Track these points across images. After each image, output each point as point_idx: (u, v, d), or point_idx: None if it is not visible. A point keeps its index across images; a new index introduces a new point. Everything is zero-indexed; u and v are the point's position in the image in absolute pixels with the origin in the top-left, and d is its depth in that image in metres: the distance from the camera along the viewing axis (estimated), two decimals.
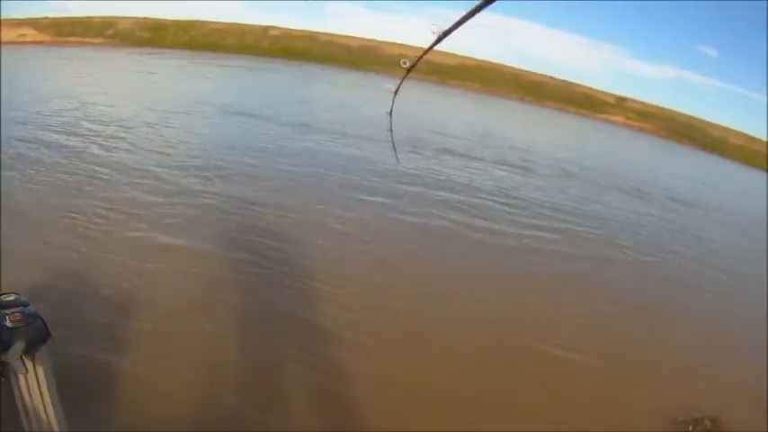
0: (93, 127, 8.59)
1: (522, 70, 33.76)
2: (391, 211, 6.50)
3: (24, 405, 1.01)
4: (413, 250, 5.50)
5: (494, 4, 0.51)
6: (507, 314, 4.47)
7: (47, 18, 28.54)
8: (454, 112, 20.35)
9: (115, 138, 8.07)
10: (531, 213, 7.63)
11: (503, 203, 7.80)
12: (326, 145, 9.69)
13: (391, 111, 2.07)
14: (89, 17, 29.76)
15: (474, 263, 5.45)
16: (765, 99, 42.44)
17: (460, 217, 6.74)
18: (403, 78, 1.40)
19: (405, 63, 1.31)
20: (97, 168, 6.51)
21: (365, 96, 15.81)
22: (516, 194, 8.54)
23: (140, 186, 6.04)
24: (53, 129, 8.20)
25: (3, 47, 19.90)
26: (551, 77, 33.81)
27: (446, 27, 0.93)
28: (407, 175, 8.17)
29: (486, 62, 33.67)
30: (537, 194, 8.86)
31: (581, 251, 6.47)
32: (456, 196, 7.65)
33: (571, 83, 33.81)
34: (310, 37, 32.40)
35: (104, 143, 7.73)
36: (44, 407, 1.02)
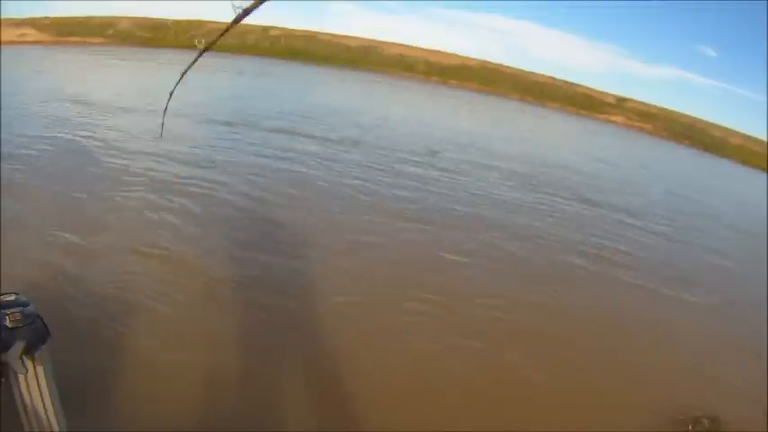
0: None
1: (523, 70, 33.84)
2: None
3: (24, 405, 1.01)
4: None
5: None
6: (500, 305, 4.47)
7: (47, 18, 28.57)
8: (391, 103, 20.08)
9: None
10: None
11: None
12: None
13: (172, 91, 2.01)
14: (89, 17, 29.78)
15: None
16: (765, 99, 42.56)
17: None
18: (197, 57, 1.33)
19: (200, 42, 1.24)
20: None
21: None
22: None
23: None
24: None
25: (5, 47, 19.93)
26: (552, 78, 33.86)
27: (247, 5, 0.96)
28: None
29: (487, 62, 33.71)
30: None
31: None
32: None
33: (571, 83, 33.88)
34: (310, 37, 32.43)
35: None
36: (44, 407, 1.03)
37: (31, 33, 27.01)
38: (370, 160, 9.16)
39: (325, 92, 19.64)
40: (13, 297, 1.02)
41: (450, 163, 10.06)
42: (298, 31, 32.79)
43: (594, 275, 5.87)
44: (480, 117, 21.59)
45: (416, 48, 32.90)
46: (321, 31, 33.06)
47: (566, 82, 33.86)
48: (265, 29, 32.63)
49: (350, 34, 32.94)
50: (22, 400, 1.01)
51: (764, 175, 23.86)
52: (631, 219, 8.82)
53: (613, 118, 31.85)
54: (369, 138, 11.13)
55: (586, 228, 7.69)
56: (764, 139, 29.44)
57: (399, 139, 11.66)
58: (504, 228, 6.82)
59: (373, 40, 32.72)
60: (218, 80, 18.13)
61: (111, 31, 29.49)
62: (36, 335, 1.00)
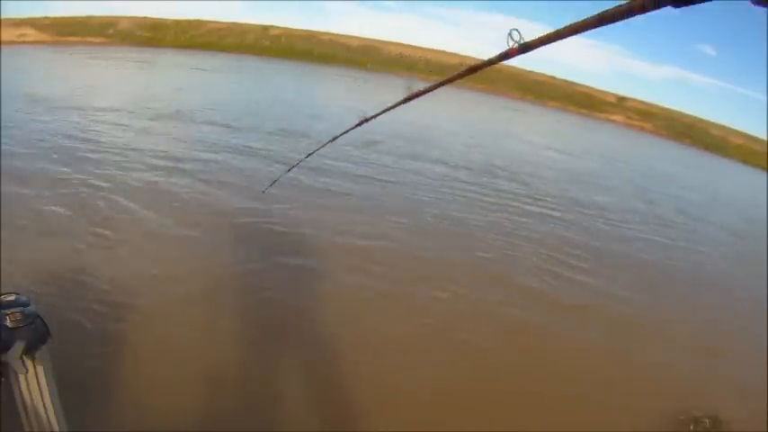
0: None
1: (523, 70, 33.83)
2: None
3: (24, 405, 1.01)
4: None
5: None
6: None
7: (47, 18, 28.59)
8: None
9: None
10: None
11: None
12: None
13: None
14: (89, 17, 29.83)
15: None
16: (765, 98, 42.58)
17: None
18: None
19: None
20: None
21: None
22: None
23: None
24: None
25: (3, 47, 19.93)
26: (552, 77, 33.91)
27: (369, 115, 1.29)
28: None
29: None
30: None
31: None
32: None
33: (572, 82, 33.96)
34: (311, 36, 32.46)
35: None
36: (44, 407, 1.03)
37: (31, 33, 27.02)
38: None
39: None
40: (13, 297, 1.02)
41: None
42: (298, 30, 32.86)
43: (586, 274, 5.86)
44: (478, 116, 21.57)
45: (416, 47, 32.97)
46: (321, 30, 33.17)
47: (566, 81, 33.95)
48: (265, 28, 32.69)
49: (350, 34, 33.04)
50: (23, 400, 1.01)
51: (765, 174, 23.83)
52: (630, 216, 8.84)
53: (613, 117, 31.89)
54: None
55: (580, 227, 7.71)
56: (765, 138, 29.50)
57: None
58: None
59: (373, 40, 32.81)
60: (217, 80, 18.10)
61: (111, 31, 29.51)
62: (36, 335, 1.00)
